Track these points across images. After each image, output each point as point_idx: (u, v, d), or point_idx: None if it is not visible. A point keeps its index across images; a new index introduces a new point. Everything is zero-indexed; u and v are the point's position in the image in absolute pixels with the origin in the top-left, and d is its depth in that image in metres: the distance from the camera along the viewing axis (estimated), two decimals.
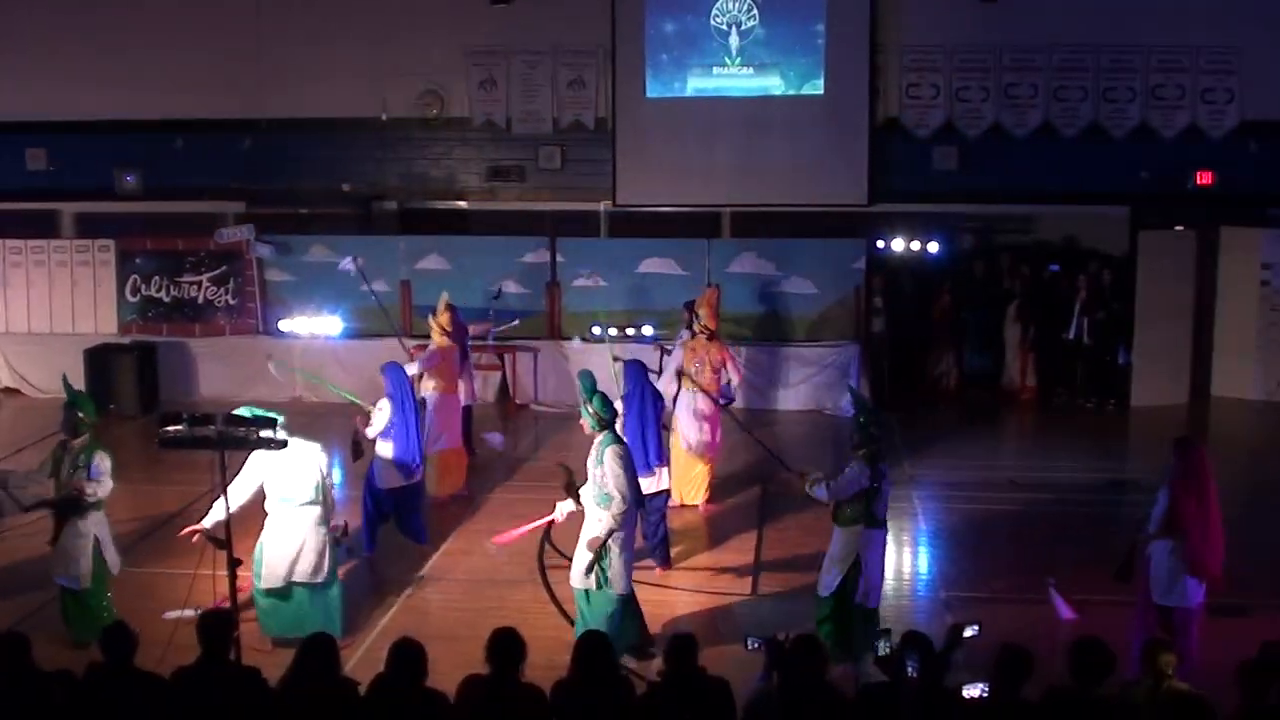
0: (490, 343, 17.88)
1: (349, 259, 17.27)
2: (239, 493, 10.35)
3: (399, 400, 12.70)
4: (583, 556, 10.22)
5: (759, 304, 19.50)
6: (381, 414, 12.65)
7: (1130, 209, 19.89)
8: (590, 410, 10.44)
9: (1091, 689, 7.21)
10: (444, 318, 14.95)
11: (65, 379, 11.41)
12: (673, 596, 11.88)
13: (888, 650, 7.66)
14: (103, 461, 10.66)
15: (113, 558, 10.84)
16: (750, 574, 12.17)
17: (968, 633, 7.88)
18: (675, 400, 14.33)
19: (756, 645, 7.59)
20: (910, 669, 7.27)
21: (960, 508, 14.36)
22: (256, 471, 10.52)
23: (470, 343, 16.17)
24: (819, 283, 19.47)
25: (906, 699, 7.20)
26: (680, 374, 14.40)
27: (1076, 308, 19.09)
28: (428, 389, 14.45)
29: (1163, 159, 19.99)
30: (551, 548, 12.59)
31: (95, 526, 10.66)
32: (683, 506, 14.20)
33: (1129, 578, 10.30)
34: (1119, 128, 20.04)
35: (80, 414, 10.75)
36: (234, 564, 8.54)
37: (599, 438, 10.32)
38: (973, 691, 7.14)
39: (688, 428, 14.32)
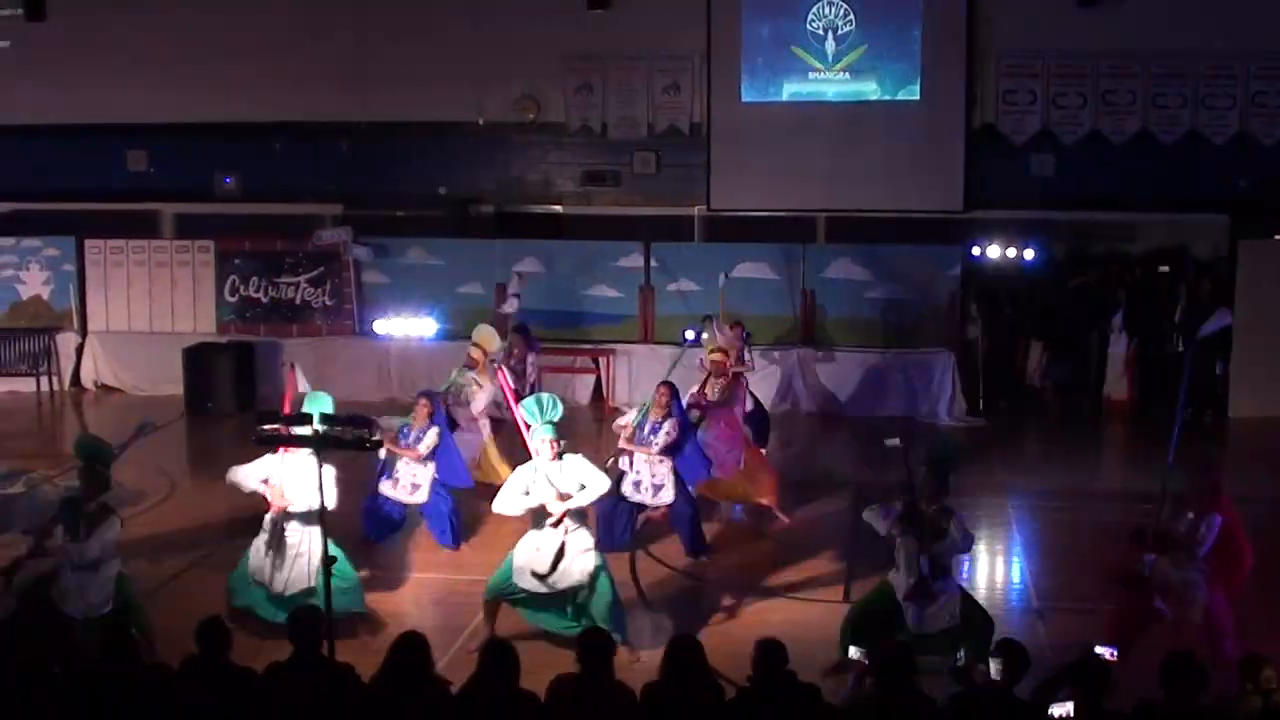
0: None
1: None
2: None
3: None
4: None
5: (853, 310, 19.45)
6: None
7: (1229, 217, 19.63)
8: None
9: (1185, 704, 7.12)
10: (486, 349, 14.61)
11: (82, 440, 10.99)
12: (763, 601, 11.88)
13: (964, 661, 7.65)
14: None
15: None
16: (843, 581, 12.10)
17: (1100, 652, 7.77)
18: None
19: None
20: (995, 673, 7.26)
21: (1055, 517, 14.22)
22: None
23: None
24: (914, 289, 19.35)
25: (980, 705, 7.18)
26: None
27: (1178, 317, 18.85)
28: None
29: (1262, 167, 19.71)
30: (645, 552, 12.66)
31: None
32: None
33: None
34: (1218, 135, 19.77)
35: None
36: (328, 560, 8.57)
37: None
38: (1060, 710, 7.04)
39: None
